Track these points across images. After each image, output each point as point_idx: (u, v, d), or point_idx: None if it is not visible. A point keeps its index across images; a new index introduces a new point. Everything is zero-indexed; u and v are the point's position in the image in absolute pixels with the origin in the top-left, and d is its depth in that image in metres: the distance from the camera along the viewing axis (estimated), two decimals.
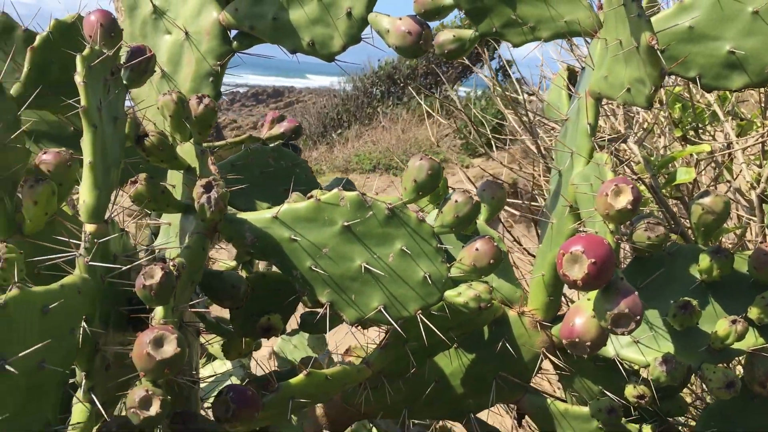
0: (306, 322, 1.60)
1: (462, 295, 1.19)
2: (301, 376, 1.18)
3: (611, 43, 1.15)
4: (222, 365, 2.30)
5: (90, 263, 0.99)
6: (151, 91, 1.53)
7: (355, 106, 13.77)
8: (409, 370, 1.41)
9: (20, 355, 0.77)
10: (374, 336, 1.55)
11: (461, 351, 1.47)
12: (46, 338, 0.82)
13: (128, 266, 1.06)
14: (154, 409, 0.85)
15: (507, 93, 2.82)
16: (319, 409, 1.59)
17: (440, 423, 2.65)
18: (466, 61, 2.46)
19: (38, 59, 1.32)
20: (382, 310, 1.18)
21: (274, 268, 1.63)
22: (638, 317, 0.93)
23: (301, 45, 1.42)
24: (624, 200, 0.97)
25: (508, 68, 3.21)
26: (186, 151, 1.32)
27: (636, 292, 0.94)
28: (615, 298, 0.94)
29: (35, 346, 0.79)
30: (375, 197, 1.18)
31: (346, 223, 1.17)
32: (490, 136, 2.93)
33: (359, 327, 1.55)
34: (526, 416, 1.56)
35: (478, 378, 1.47)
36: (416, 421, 1.79)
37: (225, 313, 1.63)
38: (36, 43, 1.32)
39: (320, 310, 1.65)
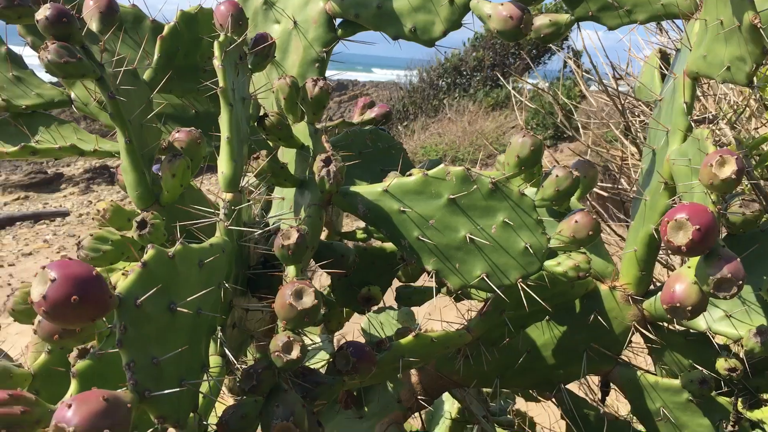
0: (401, 295, 1.69)
1: (561, 264, 1.26)
2: (409, 337, 1.27)
3: (711, 23, 1.19)
4: (310, 341, 2.42)
5: (229, 227, 1.10)
6: (260, 77, 1.64)
7: (422, 98, 13.84)
8: (503, 339, 1.49)
9: (188, 299, 0.88)
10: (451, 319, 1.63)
11: (553, 323, 1.54)
12: (202, 289, 0.93)
13: (261, 230, 1.17)
14: (295, 353, 0.95)
15: (591, 77, 2.84)
16: (414, 377, 1.68)
17: (515, 406, 2.72)
18: (525, 57, 2.49)
19: (166, 47, 1.45)
20: (485, 277, 1.25)
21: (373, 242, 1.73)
22: (740, 282, 0.98)
23: (403, 31, 1.51)
24: (729, 170, 1.02)
25: (586, 56, 3.22)
26: (298, 130, 1.42)
27: (738, 258, 0.99)
28: (717, 263, 0.99)
29: (198, 293, 0.91)
30: (479, 172, 1.25)
31: (451, 196, 1.25)
32: (576, 119, 2.96)
33: (453, 299, 1.64)
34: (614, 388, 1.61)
35: (569, 349, 1.53)
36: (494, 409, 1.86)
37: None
38: (165, 32, 1.44)
39: (414, 285, 1.75)
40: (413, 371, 1.66)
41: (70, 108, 1.44)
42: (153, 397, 0.79)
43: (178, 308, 0.86)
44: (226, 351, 1.14)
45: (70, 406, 0.70)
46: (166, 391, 0.79)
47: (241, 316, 1.39)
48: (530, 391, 2.63)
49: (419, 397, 1.66)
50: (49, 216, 16.09)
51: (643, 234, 1.43)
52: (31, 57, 1.49)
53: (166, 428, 0.84)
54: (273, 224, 1.47)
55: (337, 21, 1.59)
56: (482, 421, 2.11)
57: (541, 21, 1.43)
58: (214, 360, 1.15)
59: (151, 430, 0.82)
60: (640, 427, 1.56)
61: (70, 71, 1.11)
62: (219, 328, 1.15)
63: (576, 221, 1.23)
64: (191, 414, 0.91)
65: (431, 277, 1.30)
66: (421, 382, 1.66)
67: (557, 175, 1.23)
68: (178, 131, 1.29)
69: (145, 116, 1.28)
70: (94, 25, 1.26)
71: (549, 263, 1.27)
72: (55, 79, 1.40)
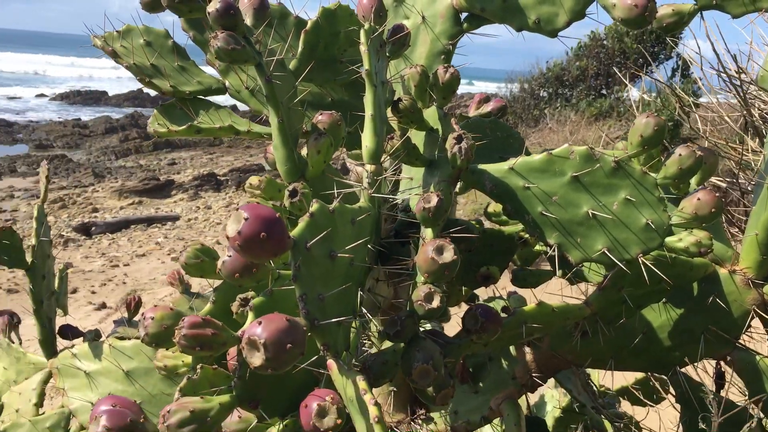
0: (517, 276, 1.77)
1: (683, 240, 1.30)
2: (532, 305, 1.35)
3: None
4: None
5: (372, 194, 1.22)
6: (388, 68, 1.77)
7: (522, 108, 13.79)
8: (620, 318, 1.54)
9: (347, 247, 1.00)
10: None
11: (669, 305, 1.57)
12: (354, 243, 1.06)
13: (401, 199, 1.29)
14: (436, 302, 1.05)
15: (702, 85, 2.82)
16: (528, 356, 1.75)
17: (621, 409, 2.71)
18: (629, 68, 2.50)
19: (309, 40, 1.60)
20: (606, 251, 1.32)
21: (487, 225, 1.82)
22: None
23: (527, 23, 1.59)
24: None
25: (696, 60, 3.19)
26: (428, 114, 1.53)
27: None
28: None
29: (353, 244, 1.03)
30: (602, 151, 1.32)
31: (574, 174, 1.32)
32: (690, 126, 2.94)
33: (567, 281, 1.70)
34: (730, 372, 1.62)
35: (685, 331, 1.56)
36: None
37: None
38: (308, 26, 1.60)
39: (530, 268, 1.82)
40: (527, 349, 1.73)
41: (225, 94, 1.61)
42: (320, 326, 0.91)
43: (339, 255, 0.99)
44: (363, 309, 1.26)
45: (260, 323, 0.83)
46: (333, 320, 0.91)
47: (372, 285, 1.51)
48: (637, 394, 2.64)
49: (534, 374, 1.73)
50: (161, 220, 17.03)
51: (764, 218, 1.45)
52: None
53: (327, 357, 0.96)
54: (402, 201, 1.58)
55: (463, 15, 1.70)
56: (591, 412, 2.15)
57: (663, 11, 1.48)
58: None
59: (315, 357, 0.94)
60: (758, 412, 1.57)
61: (235, 57, 1.26)
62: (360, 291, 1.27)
63: (698, 198, 1.28)
64: (345, 351, 1.03)
65: (549, 255, 1.38)
66: (536, 360, 1.73)
67: (680, 154, 1.28)
68: (321, 114, 1.43)
69: (291, 101, 1.43)
70: (248, 20, 1.42)
71: (670, 239, 1.31)
72: (212, 70, 1.58)
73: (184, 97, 1.56)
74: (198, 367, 1.12)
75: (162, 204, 18.73)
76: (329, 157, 1.39)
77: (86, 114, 33.46)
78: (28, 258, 2.24)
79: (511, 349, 1.76)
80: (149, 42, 1.56)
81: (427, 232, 1.18)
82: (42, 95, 41.38)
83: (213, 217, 17.18)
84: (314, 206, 0.98)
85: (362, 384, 0.87)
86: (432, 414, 1.77)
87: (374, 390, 1.29)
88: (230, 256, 1.00)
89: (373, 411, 0.84)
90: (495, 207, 1.81)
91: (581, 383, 2.12)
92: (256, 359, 0.82)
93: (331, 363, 0.96)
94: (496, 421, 2.50)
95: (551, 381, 3.06)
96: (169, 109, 1.55)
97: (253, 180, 1.43)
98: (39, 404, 2.24)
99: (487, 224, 1.85)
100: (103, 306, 11.11)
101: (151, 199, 18.99)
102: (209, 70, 1.62)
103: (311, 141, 1.37)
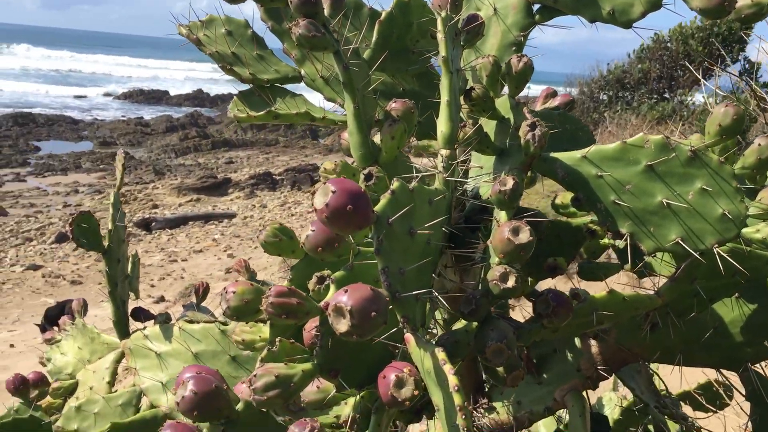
0: (584, 269, 1.77)
1: (760, 231, 1.29)
2: (603, 293, 1.35)
3: None
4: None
5: (447, 178, 1.25)
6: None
7: (581, 111, 13.61)
8: (691, 311, 1.52)
9: (426, 225, 1.03)
10: None
11: (742, 300, 1.55)
12: (431, 222, 1.08)
13: (471, 186, 1.31)
14: (511, 282, 1.07)
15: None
16: (594, 348, 1.75)
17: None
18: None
19: (383, 30, 1.63)
20: (680, 241, 1.31)
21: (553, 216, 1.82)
22: None
23: (600, 14, 1.59)
24: None
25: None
26: (499, 104, 1.55)
27: None
28: None
29: (431, 222, 1.05)
30: (678, 140, 1.32)
31: (649, 163, 1.32)
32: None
33: (636, 275, 1.69)
34: None
35: (759, 327, 1.53)
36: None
37: None
38: (382, 17, 1.63)
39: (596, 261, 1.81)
40: (593, 342, 1.73)
41: (300, 83, 1.66)
42: (401, 298, 0.94)
43: (418, 231, 1.01)
44: (433, 291, 1.28)
45: (346, 291, 0.87)
46: (414, 292, 0.94)
47: (441, 269, 1.53)
48: (699, 398, 2.59)
49: (599, 367, 1.72)
50: (218, 217, 17.41)
51: None
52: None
53: (405, 330, 0.99)
54: (472, 188, 1.60)
55: (535, 7, 1.71)
56: (654, 411, 2.12)
57: (743, 1, 1.46)
58: None
59: (395, 329, 0.97)
60: None
61: (315, 44, 1.31)
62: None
63: None
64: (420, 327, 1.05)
65: (617, 248, 1.38)
66: (601, 353, 1.72)
67: (760, 144, 1.27)
68: (394, 101, 1.46)
69: (366, 89, 1.47)
70: (326, 10, 1.47)
71: (747, 230, 1.30)
72: (288, 59, 1.63)
73: (262, 84, 1.62)
74: (277, 340, 1.16)
75: (219, 201, 19.14)
76: (402, 143, 1.42)
77: (148, 113, 34.45)
78: (105, 242, 2.34)
79: (576, 341, 1.76)
80: (230, 31, 1.63)
81: (501, 215, 1.20)
82: (107, 94, 42.75)
83: (268, 215, 17.48)
84: (395, 184, 1.01)
85: (441, 355, 0.90)
86: (494, 403, 1.78)
87: None
88: (313, 230, 1.03)
89: (453, 380, 0.86)
90: (562, 199, 1.82)
91: (644, 382, 2.10)
92: (342, 325, 0.86)
93: (408, 336, 0.98)
94: (547, 421, 2.49)
95: (609, 384, 3.03)
96: (247, 96, 1.61)
97: (328, 165, 1.48)
98: (111, 382, 2.33)
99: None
100: (162, 299, 11.43)
101: (209, 197, 19.43)
102: (286, 59, 1.68)
103: (386, 127, 1.41)
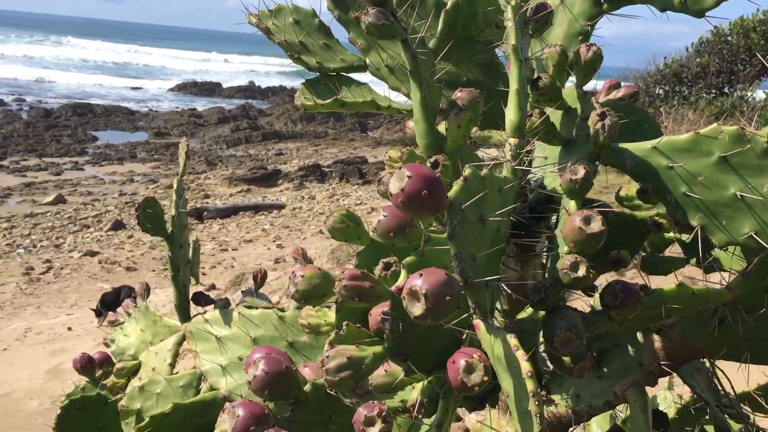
0: (648, 262, 1.74)
1: None
2: (672, 286, 1.33)
3: None
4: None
5: (515, 167, 1.25)
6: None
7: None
8: (761, 307, 1.48)
9: (496, 213, 1.03)
10: None
11: None
12: (501, 210, 1.08)
13: (538, 176, 1.30)
14: (582, 271, 1.07)
15: None
16: (657, 343, 1.72)
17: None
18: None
19: (449, 20, 1.63)
20: (754, 235, 1.28)
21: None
22: None
23: (671, 3, 1.56)
24: None
25: None
26: (566, 94, 1.54)
27: None
28: None
29: (501, 210, 1.06)
30: (754, 131, 1.28)
31: (722, 155, 1.29)
32: None
33: (703, 270, 1.66)
34: None
35: None
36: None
37: None
38: (448, 6, 1.63)
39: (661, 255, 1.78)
40: (656, 336, 1.70)
41: (365, 72, 1.68)
42: (473, 284, 0.95)
43: (490, 219, 1.02)
44: (503, 282, 1.28)
45: (420, 275, 0.88)
46: (487, 278, 0.95)
47: (504, 259, 1.53)
48: (760, 400, 2.52)
49: (662, 363, 1.69)
50: (268, 208, 17.64)
51: None
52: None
53: (476, 316, 0.99)
54: (536, 179, 1.60)
55: None
56: (714, 410, 2.08)
57: None
58: None
59: (466, 314, 0.98)
60: None
61: (383, 32, 1.32)
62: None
63: None
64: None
65: (688, 241, 1.35)
66: (665, 349, 1.69)
67: None
68: (460, 90, 1.47)
69: (431, 78, 1.47)
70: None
71: None
72: (354, 49, 1.65)
73: (328, 73, 1.64)
74: (344, 324, 1.18)
75: (269, 192, 19.39)
76: (468, 132, 1.42)
77: (201, 104, 35.10)
78: (168, 227, 2.41)
79: (639, 336, 1.74)
80: (298, 20, 1.65)
81: (570, 204, 1.19)
82: (162, 86, 43.68)
83: (317, 207, 17.63)
84: (467, 171, 1.01)
85: (514, 341, 0.90)
86: (553, 396, 1.77)
87: None
88: (385, 215, 1.05)
89: (526, 366, 0.87)
90: (627, 191, 1.79)
91: (704, 381, 2.06)
92: (417, 309, 0.87)
93: (478, 322, 0.99)
94: (599, 418, 2.46)
95: (664, 383, 2.97)
96: (314, 84, 1.63)
97: (393, 153, 1.48)
98: (173, 364, 2.39)
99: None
100: (213, 287, 11.65)
101: (259, 188, 19.70)
102: (351, 49, 1.69)
103: (452, 115, 1.41)
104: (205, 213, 16.74)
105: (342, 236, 1.31)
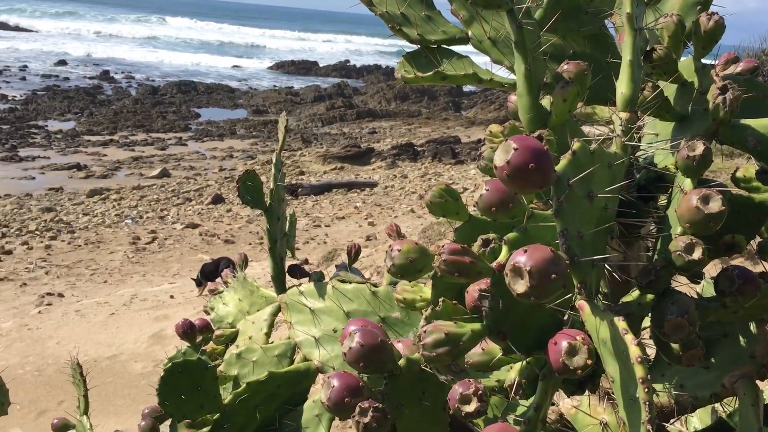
0: (764, 248, 1.63)
1: None
2: None
3: None
4: None
5: (626, 143, 1.18)
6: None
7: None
8: None
9: (605, 190, 0.98)
10: None
11: None
12: (610, 186, 1.03)
13: (647, 153, 1.23)
14: (697, 254, 1.00)
15: None
16: None
17: None
18: None
19: None
20: None
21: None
22: None
23: None
24: None
25: None
26: (682, 66, 1.44)
27: None
28: None
29: (610, 187, 1.00)
30: None
31: None
32: None
33: None
34: None
35: None
36: None
37: None
38: None
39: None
40: None
41: (467, 44, 1.63)
42: (579, 263, 0.91)
43: (598, 195, 0.97)
44: (611, 262, 1.22)
45: (525, 251, 0.84)
46: (594, 258, 0.90)
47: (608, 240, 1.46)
48: None
49: None
50: (360, 186, 17.82)
51: None
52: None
53: (580, 297, 0.95)
54: (645, 156, 1.52)
55: None
56: None
57: None
58: None
59: (570, 295, 0.94)
60: None
61: (489, 2, 1.27)
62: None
63: None
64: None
65: None
66: None
67: None
68: (567, 63, 1.40)
69: (536, 50, 1.41)
70: None
71: None
72: (455, 20, 1.61)
73: (429, 45, 1.61)
74: (441, 300, 1.16)
75: (362, 170, 19.58)
76: (574, 106, 1.36)
77: (298, 83, 35.77)
78: (267, 200, 2.45)
79: (751, 326, 1.63)
80: None
81: (686, 183, 1.12)
82: (261, 65, 44.78)
83: (408, 185, 17.66)
84: (576, 144, 0.96)
85: (622, 324, 0.85)
86: (655, 385, 1.69)
87: None
88: (488, 189, 1.02)
89: (635, 350, 0.82)
90: (744, 172, 1.67)
91: None
92: (520, 286, 0.84)
93: (583, 303, 0.95)
94: (700, 411, 2.34)
95: None
96: (415, 57, 1.61)
97: (494, 127, 1.44)
98: (269, 334, 2.45)
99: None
100: (306, 262, 11.92)
101: (352, 166, 19.92)
102: (454, 21, 1.65)
103: (558, 89, 1.35)
104: (300, 189, 17.09)
105: (440, 211, 1.28)
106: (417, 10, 1.60)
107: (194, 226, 14.11)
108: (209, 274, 8.43)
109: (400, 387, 1.13)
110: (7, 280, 10.68)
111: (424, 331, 0.97)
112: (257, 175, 2.43)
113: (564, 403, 1.64)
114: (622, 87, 1.22)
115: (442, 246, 0.95)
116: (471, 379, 1.01)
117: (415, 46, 1.63)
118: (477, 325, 0.99)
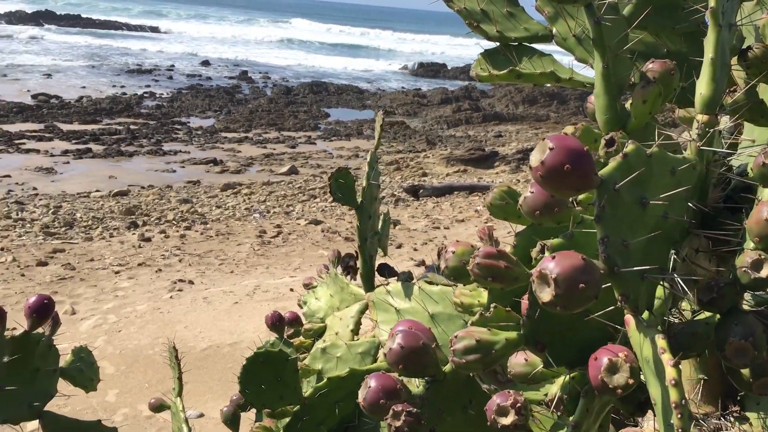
0: None
1: None
2: None
3: None
4: None
5: (701, 147, 1.09)
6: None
7: None
8: None
9: (660, 196, 0.90)
10: None
11: None
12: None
13: (738, 162, 1.13)
14: (765, 271, 0.90)
15: None
16: None
17: None
18: None
19: None
20: None
21: None
22: None
23: None
24: None
25: None
26: None
27: None
28: None
29: (667, 194, 0.92)
30: None
31: None
32: None
33: None
34: None
35: None
36: None
37: None
38: None
39: None
40: None
41: (550, 42, 1.57)
42: (620, 273, 0.84)
43: (651, 202, 0.89)
44: (675, 276, 1.13)
45: (553, 258, 0.79)
46: (635, 269, 0.83)
47: (691, 254, 1.35)
48: None
49: None
50: (482, 189, 17.62)
51: None
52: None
53: (625, 310, 0.88)
54: (739, 165, 1.39)
55: None
56: None
57: None
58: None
59: (612, 308, 0.87)
60: None
61: None
62: (673, 252, 1.15)
63: None
64: (646, 311, 0.94)
65: None
66: None
67: None
68: (652, 62, 1.31)
69: (620, 48, 1.33)
70: None
71: None
72: (541, 17, 1.54)
73: (509, 43, 1.56)
74: (492, 305, 1.12)
75: (485, 174, 19.37)
76: (656, 108, 1.27)
77: (425, 85, 35.97)
78: (359, 198, 2.48)
79: None
80: None
81: (764, 193, 1.01)
82: (390, 67, 45.46)
83: None
84: (629, 147, 0.90)
85: (661, 342, 0.78)
86: (748, 413, 1.55)
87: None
88: (532, 192, 0.97)
89: (670, 372, 0.75)
90: None
91: None
92: (545, 294, 0.79)
93: (629, 318, 0.88)
94: None
95: None
96: (492, 55, 1.56)
97: (569, 129, 1.38)
98: (355, 331, 2.47)
99: None
100: (423, 263, 11.93)
101: (475, 169, 19.75)
102: (538, 17, 1.59)
103: (638, 89, 1.27)
104: (421, 191, 17.16)
105: (501, 214, 1.24)
106: (499, 7, 1.56)
107: (317, 222, 14.52)
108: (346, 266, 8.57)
109: (443, 393, 1.10)
110: (145, 265, 11.46)
111: (455, 337, 0.93)
112: (350, 173, 2.45)
113: (647, 426, 1.55)
114: (702, 87, 1.13)
115: (478, 248, 0.92)
116: (512, 391, 0.96)
117: (494, 44, 1.58)
118: (512, 334, 0.94)
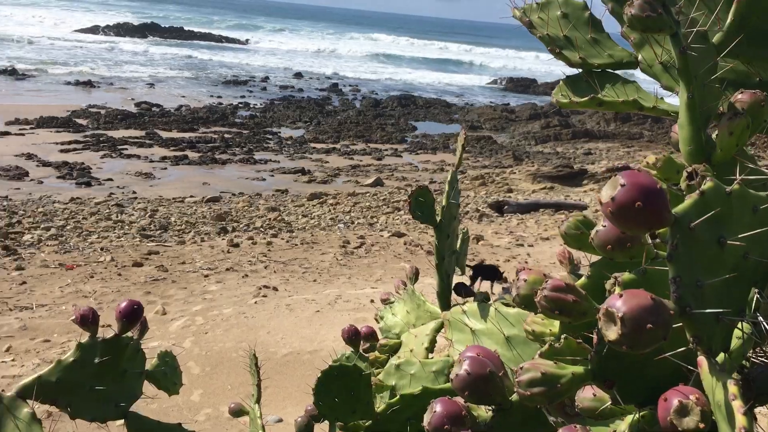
0: None
1: None
2: None
3: None
4: None
5: None
6: None
7: None
8: None
9: (741, 236, 0.88)
10: None
11: None
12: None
13: None
14: None
15: None
16: None
17: None
18: None
19: (741, 11, 1.42)
20: None
21: None
22: None
23: None
24: None
25: None
26: None
27: None
28: None
29: (746, 234, 0.89)
30: None
31: None
32: None
33: None
34: None
35: None
36: None
37: None
38: None
39: None
40: None
41: (635, 69, 1.54)
42: (693, 314, 0.82)
43: (729, 242, 0.87)
44: (759, 316, 1.09)
45: (621, 296, 0.79)
46: (710, 311, 0.81)
47: None
48: None
49: None
50: (569, 207, 17.25)
51: None
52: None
53: (698, 352, 0.86)
54: None
55: None
56: None
57: None
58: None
59: (684, 348, 0.85)
60: None
61: (648, 25, 1.19)
62: (756, 291, 1.11)
63: None
64: (722, 353, 0.91)
65: None
66: None
67: None
68: (741, 92, 1.27)
69: (708, 77, 1.29)
70: None
71: None
72: (626, 44, 1.52)
73: (592, 69, 1.54)
74: (562, 337, 1.11)
75: (572, 192, 18.96)
76: (743, 140, 1.23)
77: (514, 100, 35.64)
78: (438, 217, 2.49)
79: None
80: (566, 14, 1.57)
81: None
82: (479, 81, 45.27)
83: None
84: (707, 184, 0.88)
85: (733, 388, 0.76)
86: None
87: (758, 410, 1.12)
88: (605, 226, 0.96)
89: (740, 420, 0.73)
90: None
91: None
92: (612, 333, 0.78)
93: (702, 360, 0.86)
94: None
95: None
96: (574, 81, 1.55)
97: (650, 158, 1.35)
98: (430, 349, 2.48)
99: None
100: (505, 280, 11.77)
101: (562, 186, 19.37)
102: (623, 44, 1.57)
103: (724, 120, 1.23)
104: (506, 207, 16.97)
105: (575, 244, 1.23)
106: (582, 33, 1.54)
107: (400, 235, 14.60)
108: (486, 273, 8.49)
109: (509, 422, 1.10)
110: (233, 270, 11.83)
111: (521, 368, 0.93)
112: (430, 191, 2.47)
113: None
114: None
115: (546, 280, 0.92)
116: (578, 426, 0.95)
117: (576, 70, 1.57)
118: (580, 369, 0.93)
